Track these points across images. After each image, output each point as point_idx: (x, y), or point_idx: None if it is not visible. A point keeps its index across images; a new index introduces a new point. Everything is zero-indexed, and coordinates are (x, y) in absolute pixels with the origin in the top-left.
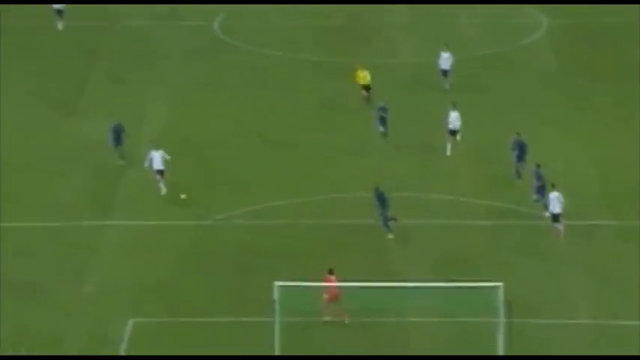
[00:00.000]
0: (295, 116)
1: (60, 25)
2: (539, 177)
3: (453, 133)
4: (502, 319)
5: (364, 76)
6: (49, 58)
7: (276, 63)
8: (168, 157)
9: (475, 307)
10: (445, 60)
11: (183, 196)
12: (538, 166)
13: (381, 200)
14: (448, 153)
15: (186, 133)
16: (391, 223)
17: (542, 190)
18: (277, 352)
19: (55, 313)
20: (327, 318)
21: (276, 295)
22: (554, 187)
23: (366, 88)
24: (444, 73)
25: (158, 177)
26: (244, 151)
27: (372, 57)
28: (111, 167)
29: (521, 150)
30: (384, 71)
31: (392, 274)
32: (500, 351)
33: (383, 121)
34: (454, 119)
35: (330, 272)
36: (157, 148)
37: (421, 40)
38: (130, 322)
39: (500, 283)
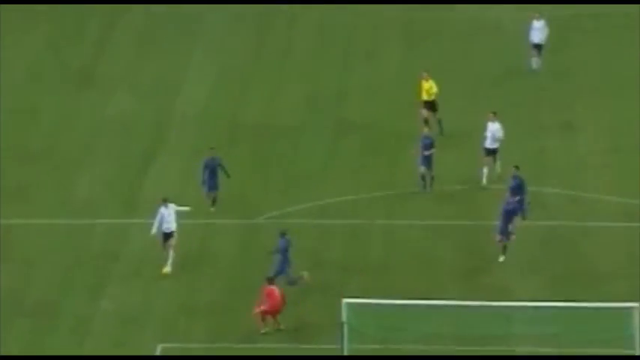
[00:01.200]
0: (377, 93)
1: None
2: None
3: (491, 153)
4: (638, 350)
5: (428, 88)
6: (59, 17)
7: (356, 22)
8: (186, 209)
9: (603, 335)
10: (538, 31)
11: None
12: None
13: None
14: (484, 182)
15: (234, 112)
16: None
17: None
18: None
19: (66, 335)
20: (264, 330)
21: (344, 316)
22: None
23: (431, 106)
24: (537, 47)
25: (166, 245)
26: (310, 135)
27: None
28: (137, 153)
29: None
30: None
31: (494, 291)
32: None
33: (427, 158)
34: (493, 134)
35: (270, 282)
36: (165, 203)
37: None
38: (159, 348)
39: (636, 304)
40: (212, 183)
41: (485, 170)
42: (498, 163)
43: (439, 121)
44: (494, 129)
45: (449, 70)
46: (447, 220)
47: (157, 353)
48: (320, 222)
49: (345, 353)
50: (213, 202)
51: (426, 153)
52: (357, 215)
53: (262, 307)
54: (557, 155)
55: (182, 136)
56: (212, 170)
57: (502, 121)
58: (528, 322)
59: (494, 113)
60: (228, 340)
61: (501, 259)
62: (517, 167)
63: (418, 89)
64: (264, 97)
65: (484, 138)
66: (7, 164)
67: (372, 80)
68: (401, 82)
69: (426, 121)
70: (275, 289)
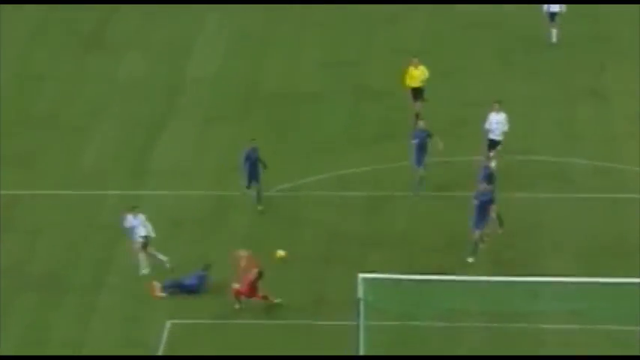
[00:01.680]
0: (400, 58)
1: None
2: None
3: (494, 144)
4: None
5: (418, 75)
6: None
7: None
8: (150, 230)
9: (632, 311)
10: None
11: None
12: None
13: None
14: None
15: (249, 79)
16: None
17: None
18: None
19: (74, 311)
20: (237, 306)
21: (360, 292)
22: None
23: (418, 93)
24: (552, 16)
25: (146, 251)
26: (329, 103)
27: None
28: (147, 120)
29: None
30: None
31: (519, 267)
32: None
33: (420, 151)
34: (497, 125)
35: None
36: (135, 212)
37: None
38: (168, 324)
39: None
40: (254, 176)
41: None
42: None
43: (417, 115)
44: (499, 120)
45: (476, 37)
46: (472, 191)
47: (166, 329)
48: (339, 194)
49: (362, 330)
50: (259, 199)
51: (423, 147)
52: (378, 186)
53: (236, 286)
54: (586, 125)
55: (195, 102)
56: (253, 162)
57: (528, 93)
58: (554, 298)
59: (499, 102)
60: (240, 316)
61: (471, 259)
62: (488, 157)
63: (405, 75)
64: (281, 63)
65: (487, 131)
66: (12, 131)
67: (394, 45)
68: (425, 46)
69: (418, 116)
70: (249, 275)
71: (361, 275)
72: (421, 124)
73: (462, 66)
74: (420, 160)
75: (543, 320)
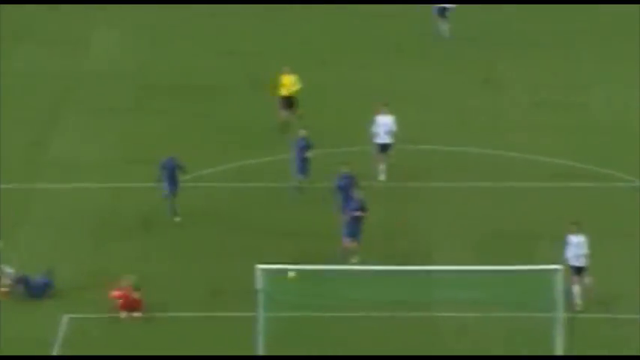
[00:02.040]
0: (296, 49)
1: None
2: None
3: (385, 148)
4: (561, 314)
5: (289, 83)
6: None
7: None
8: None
9: (527, 298)
10: None
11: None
12: None
13: None
14: (383, 177)
15: (146, 70)
16: None
17: None
18: (261, 350)
19: None
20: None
21: (259, 283)
22: None
23: (290, 102)
24: (443, 11)
25: None
26: (225, 95)
27: None
28: (45, 112)
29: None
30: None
31: (416, 256)
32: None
33: (303, 163)
34: (385, 127)
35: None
36: None
37: None
38: (65, 319)
39: (558, 267)
40: (171, 186)
41: (381, 166)
42: (385, 167)
43: (300, 117)
44: (386, 122)
45: (371, 29)
46: (366, 180)
47: (63, 323)
48: (237, 185)
49: (261, 322)
50: (175, 210)
51: (304, 156)
52: (278, 177)
53: (115, 294)
54: (478, 114)
55: (91, 94)
56: (171, 172)
57: (421, 84)
58: (450, 286)
59: (386, 104)
60: (142, 308)
61: (355, 260)
62: (347, 164)
63: (274, 84)
64: (178, 55)
65: (375, 134)
66: None
67: (292, 37)
68: (324, 36)
69: (286, 125)
70: (127, 293)
71: (259, 266)
72: (302, 132)
73: (355, 58)
74: (302, 169)
75: (440, 309)
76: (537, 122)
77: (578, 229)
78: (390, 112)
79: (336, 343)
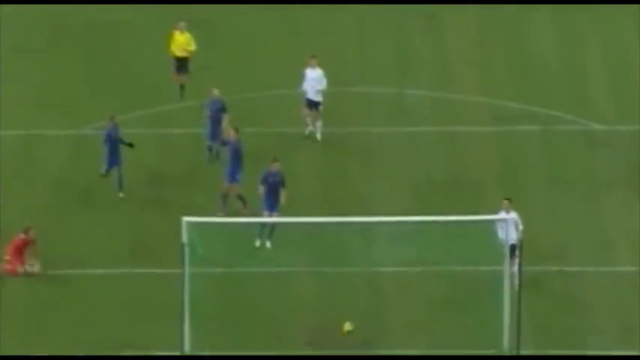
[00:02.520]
0: None
1: None
2: None
3: (314, 106)
4: (508, 267)
5: (183, 42)
6: None
7: None
8: None
9: (473, 251)
10: None
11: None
12: None
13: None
14: (308, 131)
15: (57, 8)
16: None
17: None
18: (187, 320)
19: None
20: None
21: (185, 237)
22: None
23: (182, 64)
24: None
25: None
26: (146, 32)
27: None
28: None
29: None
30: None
31: (352, 206)
32: (507, 312)
33: (214, 124)
34: (313, 83)
35: (26, 232)
36: None
37: None
38: None
39: (509, 216)
40: (114, 158)
41: (317, 124)
42: (320, 123)
43: (181, 87)
44: (315, 77)
45: None
46: (298, 127)
47: None
48: (157, 131)
49: (187, 278)
50: (120, 185)
51: (218, 118)
52: (200, 123)
53: (7, 267)
54: (420, 54)
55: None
56: (113, 144)
57: (358, 22)
58: (390, 239)
59: (314, 57)
60: (53, 266)
61: (268, 244)
62: (276, 160)
63: (170, 41)
64: None
65: (303, 91)
66: None
67: None
68: None
69: (182, 87)
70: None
71: (185, 219)
72: (216, 92)
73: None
74: (214, 134)
75: (379, 263)
76: (482, 62)
77: (509, 206)
78: (320, 64)
79: (268, 302)
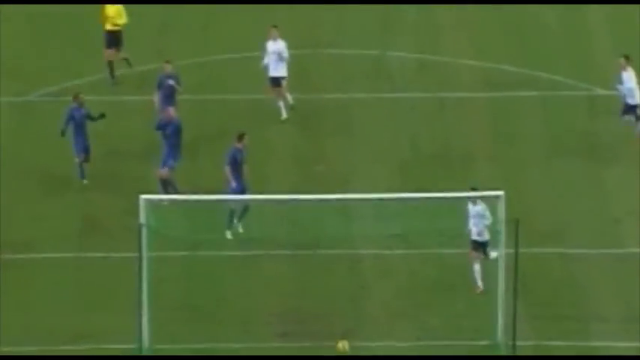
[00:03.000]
0: None
1: None
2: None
3: (277, 82)
4: (503, 250)
5: (113, 14)
6: None
7: None
8: None
9: (462, 230)
10: None
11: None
12: None
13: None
14: (285, 115)
15: None
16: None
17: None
18: (146, 309)
19: None
20: None
21: (142, 216)
22: None
23: (113, 38)
24: None
25: None
26: None
27: None
28: None
29: None
30: None
31: (331, 182)
32: (501, 300)
33: (168, 98)
34: (274, 57)
35: None
36: None
37: None
38: None
39: (500, 192)
40: (81, 141)
41: (280, 103)
42: (288, 98)
43: (126, 61)
44: (277, 48)
45: None
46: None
47: None
48: (113, 98)
49: (145, 262)
50: (83, 173)
51: (170, 92)
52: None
53: None
54: (405, 12)
55: None
56: (79, 124)
57: None
58: (373, 218)
59: (275, 26)
60: None
61: (240, 228)
62: (242, 136)
63: (102, 15)
64: None
65: (265, 66)
66: None
67: None
68: None
69: (110, 65)
70: None
71: (143, 196)
72: (168, 67)
73: None
74: (166, 104)
75: (361, 245)
76: (472, 20)
77: (475, 198)
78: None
79: (237, 289)
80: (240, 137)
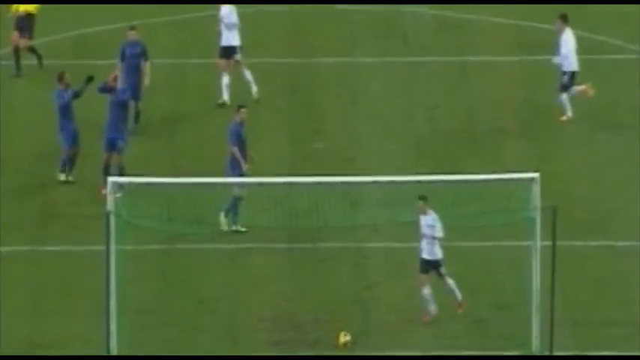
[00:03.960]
0: None
1: None
2: None
3: (228, 53)
4: (538, 241)
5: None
6: None
7: None
8: None
9: (490, 219)
10: None
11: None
12: None
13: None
14: (225, 98)
15: None
16: None
17: None
18: (114, 311)
19: None
20: None
21: (110, 204)
22: None
23: (24, 23)
24: None
25: None
26: None
27: None
28: None
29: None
30: None
31: (333, 162)
32: (536, 301)
33: (132, 74)
34: (227, 20)
35: None
36: None
37: None
38: None
39: (535, 174)
40: (72, 129)
41: (224, 79)
42: (248, 75)
43: (33, 50)
44: (224, 14)
45: None
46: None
47: None
48: (79, 62)
49: (113, 255)
50: (66, 165)
51: (136, 63)
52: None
53: None
54: None
55: None
56: (64, 109)
57: None
58: (382, 205)
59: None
60: None
61: (224, 225)
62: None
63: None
64: None
65: (217, 33)
66: None
67: None
68: None
69: (17, 50)
70: None
71: (111, 179)
72: (132, 34)
73: None
74: (133, 89)
75: (368, 237)
76: None
77: (425, 205)
78: None
79: (222, 289)
80: (240, 109)
